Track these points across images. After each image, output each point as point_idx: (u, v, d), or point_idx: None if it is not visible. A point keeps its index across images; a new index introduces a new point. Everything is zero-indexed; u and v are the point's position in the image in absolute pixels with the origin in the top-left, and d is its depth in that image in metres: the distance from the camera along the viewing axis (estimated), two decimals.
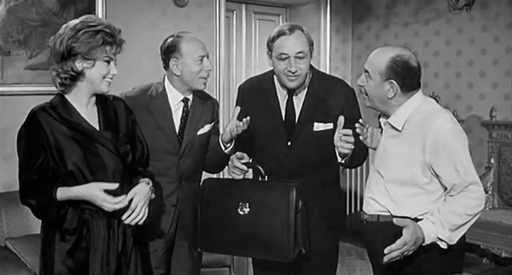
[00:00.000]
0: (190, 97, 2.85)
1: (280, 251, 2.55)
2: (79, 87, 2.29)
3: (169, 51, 2.74)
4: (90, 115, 2.33)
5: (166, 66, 2.80)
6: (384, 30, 6.11)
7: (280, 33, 2.67)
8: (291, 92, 2.76)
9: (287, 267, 2.78)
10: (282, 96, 2.78)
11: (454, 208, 2.29)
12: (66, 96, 2.30)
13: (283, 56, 2.64)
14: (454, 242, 2.30)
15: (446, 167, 2.29)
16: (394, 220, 2.26)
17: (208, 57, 2.79)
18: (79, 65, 2.24)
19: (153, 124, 2.73)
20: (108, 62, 2.28)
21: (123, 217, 2.25)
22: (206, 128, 2.87)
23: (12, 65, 4.22)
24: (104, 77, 2.28)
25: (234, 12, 5.93)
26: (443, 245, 2.29)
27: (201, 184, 2.84)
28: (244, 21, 6.04)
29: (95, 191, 2.19)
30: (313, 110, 2.75)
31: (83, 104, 2.32)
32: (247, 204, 2.58)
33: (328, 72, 6.13)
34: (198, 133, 2.85)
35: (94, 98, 2.35)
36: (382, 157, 2.48)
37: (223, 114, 5.49)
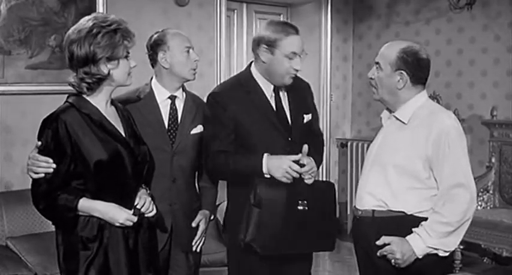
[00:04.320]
0: (177, 95, 2.87)
1: (327, 242, 2.75)
2: (104, 87, 2.30)
3: (156, 46, 2.80)
4: (111, 115, 2.34)
5: (154, 62, 2.84)
6: (385, 30, 6.10)
7: (289, 33, 2.68)
8: (277, 89, 2.77)
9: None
10: (268, 93, 2.78)
11: (440, 217, 2.31)
12: (84, 96, 2.30)
13: (293, 55, 2.67)
14: (453, 248, 2.34)
15: (444, 162, 2.32)
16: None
17: (193, 49, 2.85)
18: (104, 67, 2.24)
19: (143, 122, 2.71)
20: (127, 57, 2.30)
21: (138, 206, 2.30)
22: (199, 128, 2.87)
23: (13, 65, 4.22)
24: (127, 73, 2.31)
25: (235, 11, 5.92)
26: (442, 253, 2.34)
27: (196, 184, 2.88)
28: (245, 21, 6.03)
29: (118, 211, 2.24)
30: (298, 103, 2.83)
31: (103, 104, 2.33)
32: (305, 201, 2.62)
33: (329, 72, 6.15)
34: (192, 132, 2.86)
35: (110, 97, 2.37)
36: (383, 148, 2.50)
37: None
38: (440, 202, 2.33)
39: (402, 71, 2.42)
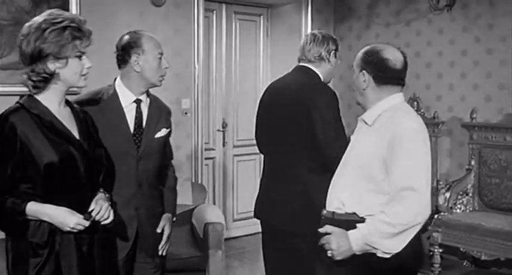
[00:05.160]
0: (142, 98, 2.81)
1: None
2: (53, 87, 2.20)
3: (129, 47, 2.71)
4: (65, 116, 2.25)
5: (123, 63, 2.74)
6: (365, 31, 6.06)
7: None
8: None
9: None
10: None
11: (384, 216, 2.24)
12: (36, 96, 2.20)
13: None
14: (393, 251, 2.25)
15: (396, 164, 2.25)
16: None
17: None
18: (51, 66, 2.15)
19: (107, 126, 2.65)
20: (80, 57, 2.20)
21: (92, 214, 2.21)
22: (163, 131, 2.85)
23: None
24: (79, 74, 2.22)
25: (214, 12, 5.85)
26: (380, 254, 2.25)
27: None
28: (224, 22, 5.96)
29: (68, 215, 2.14)
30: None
31: (55, 105, 2.23)
32: None
33: None
34: (156, 136, 2.82)
35: (64, 98, 2.27)
36: (351, 150, 2.49)
37: (202, 119, 5.41)
38: (390, 202, 2.27)
39: (364, 71, 2.41)
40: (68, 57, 2.17)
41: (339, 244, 2.28)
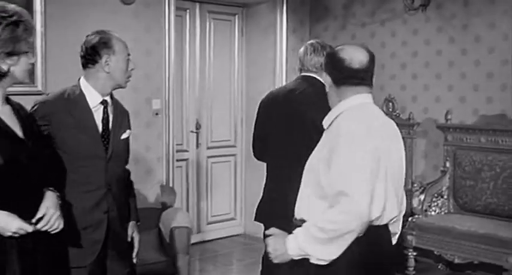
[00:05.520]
0: (108, 99, 2.76)
1: None
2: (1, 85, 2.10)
3: (100, 48, 2.66)
4: (6, 114, 2.13)
5: (91, 63, 2.68)
6: (341, 31, 5.98)
7: None
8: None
9: None
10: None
11: (317, 221, 2.14)
12: None
13: None
14: (325, 258, 2.13)
15: (332, 168, 2.16)
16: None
17: None
18: (4, 64, 2.05)
19: (76, 128, 2.62)
20: (27, 52, 2.10)
21: (38, 226, 2.11)
22: (127, 133, 2.83)
23: None
24: (27, 70, 2.13)
25: (188, 11, 5.74)
26: (314, 260, 2.15)
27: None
28: (198, 21, 5.85)
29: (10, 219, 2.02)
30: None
31: None
32: None
33: (285, 74, 6.00)
34: (122, 137, 2.79)
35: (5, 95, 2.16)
36: (312, 155, 2.41)
37: (175, 120, 5.31)
38: (328, 208, 2.18)
39: (325, 73, 2.38)
40: (20, 54, 2.07)
41: (275, 247, 2.24)
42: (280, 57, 5.98)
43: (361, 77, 2.31)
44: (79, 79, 2.74)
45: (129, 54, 2.73)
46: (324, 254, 2.13)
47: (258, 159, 3.42)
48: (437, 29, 5.20)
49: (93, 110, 2.69)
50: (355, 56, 2.30)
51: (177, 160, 5.54)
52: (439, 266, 5.04)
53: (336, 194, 2.11)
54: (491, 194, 4.74)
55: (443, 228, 4.56)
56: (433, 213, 4.88)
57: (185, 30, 5.73)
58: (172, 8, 5.16)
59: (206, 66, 5.96)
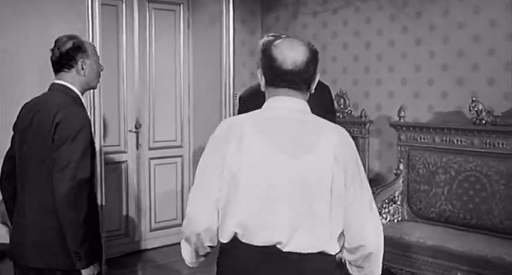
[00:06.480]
0: None
1: None
2: None
3: (76, 52, 2.72)
4: None
5: (68, 68, 2.71)
6: (292, 21, 5.51)
7: None
8: None
9: None
10: None
11: None
12: None
13: None
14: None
15: None
16: None
17: None
18: None
19: None
20: None
21: None
22: None
23: None
24: None
25: (124, 0, 5.27)
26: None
27: None
28: (136, 11, 5.38)
29: None
30: None
31: None
32: None
33: (232, 69, 5.53)
34: None
35: None
36: None
37: (111, 120, 4.85)
38: None
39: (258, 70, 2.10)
40: None
41: None
42: (227, 51, 5.50)
43: (291, 80, 1.96)
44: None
45: (98, 57, 2.81)
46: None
47: None
48: (390, 18, 4.72)
49: None
50: (289, 55, 1.95)
51: (114, 163, 5.09)
52: None
53: None
54: (445, 200, 4.28)
55: (390, 238, 4.08)
56: (384, 221, 4.41)
57: (121, 21, 5.26)
58: None
59: (147, 60, 5.48)
